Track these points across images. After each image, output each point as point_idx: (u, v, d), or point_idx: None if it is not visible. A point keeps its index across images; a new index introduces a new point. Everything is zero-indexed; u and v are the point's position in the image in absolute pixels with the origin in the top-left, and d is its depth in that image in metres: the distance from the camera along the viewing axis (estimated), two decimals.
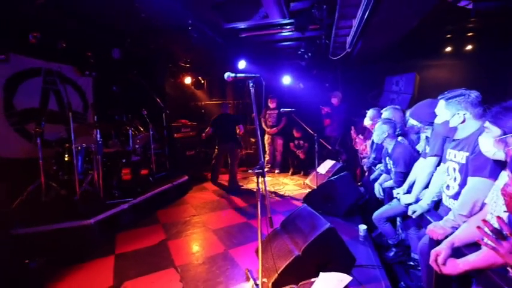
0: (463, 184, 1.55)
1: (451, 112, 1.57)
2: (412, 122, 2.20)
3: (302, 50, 5.48)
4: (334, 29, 4.04)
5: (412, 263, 2.39)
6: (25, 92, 3.99)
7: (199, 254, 2.70)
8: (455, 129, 1.59)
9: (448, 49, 5.59)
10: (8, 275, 2.20)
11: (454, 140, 1.65)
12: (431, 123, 2.03)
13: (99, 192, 3.49)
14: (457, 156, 1.60)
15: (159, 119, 5.25)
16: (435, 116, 1.96)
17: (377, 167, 3.40)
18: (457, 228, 1.39)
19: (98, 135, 3.48)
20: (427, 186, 2.02)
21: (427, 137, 2.21)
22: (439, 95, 1.68)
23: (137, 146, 4.59)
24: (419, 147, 2.57)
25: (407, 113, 3.05)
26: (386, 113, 3.02)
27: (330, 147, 5.35)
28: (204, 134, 5.08)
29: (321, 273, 1.43)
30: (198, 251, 2.79)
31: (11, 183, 3.43)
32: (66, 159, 3.52)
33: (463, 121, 1.53)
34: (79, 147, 3.46)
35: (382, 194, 2.80)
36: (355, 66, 5.95)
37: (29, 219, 2.83)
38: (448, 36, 5.39)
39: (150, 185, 4.25)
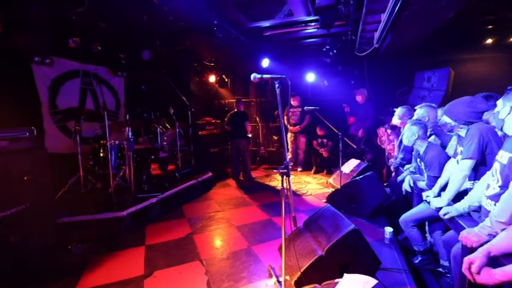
0: (502, 186, 1.46)
1: (504, 103, 1.51)
2: (445, 119, 2.04)
3: (327, 47, 5.36)
4: (361, 24, 3.91)
5: (441, 270, 2.29)
6: (66, 92, 4.34)
7: (223, 249, 2.79)
8: (502, 121, 1.53)
9: (489, 41, 5.16)
10: (53, 259, 2.45)
11: (507, 140, 1.57)
12: (467, 123, 1.92)
13: (130, 186, 3.72)
14: (503, 157, 1.51)
15: (185, 116, 5.44)
16: (474, 115, 1.85)
17: (405, 168, 3.27)
18: (493, 236, 1.31)
19: (130, 133, 3.69)
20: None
21: (459, 136, 2.09)
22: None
23: (165, 143, 4.81)
24: (451, 147, 2.43)
25: (439, 111, 2.90)
26: (420, 110, 2.87)
27: (354, 146, 5.22)
28: (227, 127, 5.41)
29: (345, 275, 1.43)
30: (222, 246, 2.88)
31: (54, 176, 3.77)
32: (101, 154, 3.79)
33: (509, 113, 1.48)
34: (112, 144, 3.70)
35: (412, 184, 2.66)
36: (383, 62, 5.71)
37: (71, 209, 3.11)
38: (490, 26, 4.97)
39: (177, 181, 4.44)
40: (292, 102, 6.00)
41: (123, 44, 4.79)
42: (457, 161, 2.03)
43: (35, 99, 3.96)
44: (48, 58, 3.97)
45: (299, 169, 6.12)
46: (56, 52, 4.10)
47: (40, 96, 4.00)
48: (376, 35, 3.97)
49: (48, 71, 4.08)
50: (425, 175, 2.49)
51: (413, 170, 2.86)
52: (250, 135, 5.46)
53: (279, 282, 2.06)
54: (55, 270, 2.34)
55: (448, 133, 2.49)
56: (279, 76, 1.74)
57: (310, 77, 6.28)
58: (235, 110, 5.46)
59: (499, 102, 1.57)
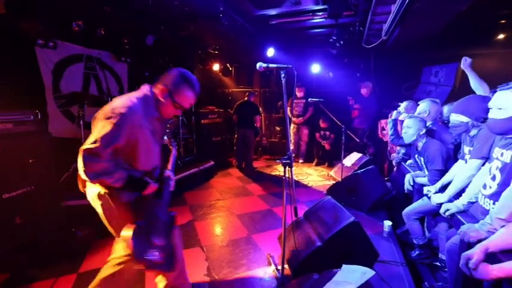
0: (502, 184, 1.46)
1: None
2: (462, 119, 1.95)
3: (334, 38, 5.25)
4: (370, 15, 3.81)
5: (438, 264, 2.32)
6: (69, 76, 4.32)
7: (223, 237, 2.84)
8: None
9: (501, 36, 5.03)
10: (58, 241, 2.51)
11: (505, 139, 1.53)
12: (485, 120, 1.87)
13: None
14: (503, 155, 1.50)
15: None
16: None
17: (407, 163, 3.26)
18: (492, 233, 1.32)
19: None
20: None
21: (469, 137, 2.04)
22: (498, 86, 1.52)
23: (167, 130, 4.81)
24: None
25: (445, 109, 2.86)
26: (423, 104, 2.84)
27: (357, 140, 5.20)
28: (234, 118, 5.42)
29: (344, 265, 1.46)
30: (222, 233, 2.93)
31: (58, 160, 3.80)
32: None
33: None
34: None
35: (411, 183, 2.67)
36: (390, 56, 5.60)
37: (75, 193, 3.15)
38: (502, 21, 4.83)
39: (179, 168, 4.47)
40: (297, 93, 5.94)
41: (127, 29, 4.72)
42: (466, 160, 2.01)
43: (39, 82, 3.95)
44: (51, 41, 3.93)
45: (300, 161, 6.14)
46: (59, 35, 4.05)
47: (44, 79, 3.99)
48: (385, 26, 3.88)
49: (51, 54, 4.05)
50: (425, 170, 2.48)
51: (413, 165, 2.86)
52: (258, 127, 5.46)
53: (278, 270, 2.11)
54: (60, 252, 2.39)
55: (453, 133, 2.41)
56: (285, 66, 1.72)
57: (316, 68, 6.19)
58: (246, 99, 5.43)
59: (509, 103, 1.44)
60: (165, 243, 1.46)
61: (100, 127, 1.28)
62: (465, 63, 2.45)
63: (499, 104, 1.48)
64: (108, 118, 1.28)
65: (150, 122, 1.44)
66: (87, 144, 1.27)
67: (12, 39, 3.48)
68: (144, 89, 1.48)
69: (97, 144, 1.25)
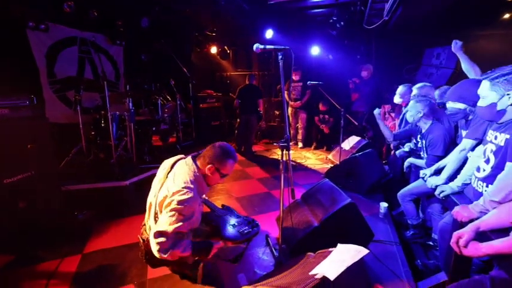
0: (495, 167, 1.48)
1: (498, 93, 1.42)
2: (457, 106, 1.95)
3: (334, 18, 5.10)
4: None
5: (431, 243, 2.40)
6: (64, 60, 4.24)
7: None
8: (503, 112, 1.46)
9: (506, 16, 4.88)
10: (60, 224, 2.57)
11: (497, 122, 1.54)
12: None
13: (132, 157, 3.78)
14: (497, 138, 1.51)
15: (186, 89, 5.35)
16: None
17: (405, 146, 3.28)
18: (484, 214, 1.36)
19: (131, 104, 3.67)
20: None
21: (465, 121, 2.05)
22: (487, 73, 1.51)
23: (166, 115, 4.79)
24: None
25: (436, 92, 2.82)
26: (419, 90, 2.81)
27: (356, 123, 5.19)
28: (235, 102, 5.27)
29: (339, 244, 1.50)
30: None
31: (57, 145, 3.82)
32: (102, 125, 3.80)
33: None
34: (113, 115, 3.69)
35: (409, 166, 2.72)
36: (391, 37, 5.47)
37: (75, 178, 3.19)
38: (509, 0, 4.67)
39: (178, 153, 4.48)
40: (293, 77, 5.84)
41: (121, 10, 4.58)
42: None
43: (34, 68, 3.88)
44: (43, 24, 3.82)
45: (299, 145, 6.15)
46: (51, 17, 3.93)
47: (38, 64, 3.92)
48: (387, 6, 3.77)
49: (44, 38, 3.94)
50: (425, 154, 2.50)
51: (413, 148, 2.88)
52: (261, 112, 5.39)
53: (276, 249, 2.17)
54: (62, 235, 2.46)
55: (451, 118, 2.39)
56: (283, 47, 1.68)
57: (315, 51, 6.06)
58: (247, 83, 5.33)
59: (486, 92, 1.46)
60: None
61: (170, 216, 1.48)
62: (456, 46, 2.40)
63: (481, 92, 1.51)
64: (179, 212, 1.47)
65: (201, 194, 1.67)
66: (159, 227, 1.47)
67: (3, 22, 3.38)
68: (192, 167, 1.65)
69: (168, 232, 1.46)
